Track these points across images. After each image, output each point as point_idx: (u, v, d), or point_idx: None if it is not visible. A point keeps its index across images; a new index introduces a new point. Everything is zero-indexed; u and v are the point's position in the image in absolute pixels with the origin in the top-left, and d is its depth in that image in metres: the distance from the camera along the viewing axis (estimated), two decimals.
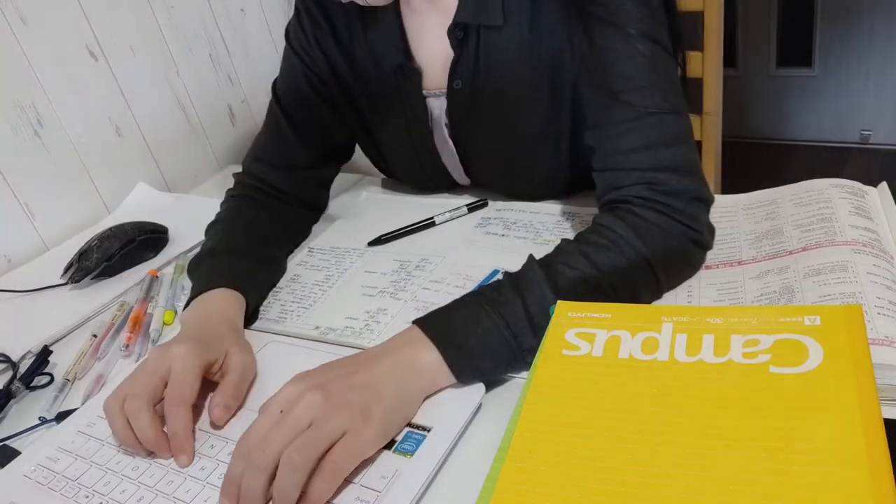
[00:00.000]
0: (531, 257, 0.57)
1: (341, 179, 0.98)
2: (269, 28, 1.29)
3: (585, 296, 0.53)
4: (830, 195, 0.65)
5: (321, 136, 0.82)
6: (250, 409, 0.54)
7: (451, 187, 0.88)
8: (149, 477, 0.50)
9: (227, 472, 0.45)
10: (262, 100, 1.29)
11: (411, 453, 0.47)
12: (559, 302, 0.55)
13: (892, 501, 0.34)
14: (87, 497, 0.49)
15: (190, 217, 0.92)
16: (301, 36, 0.79)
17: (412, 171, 0.86)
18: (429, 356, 0.51)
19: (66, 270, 0.83)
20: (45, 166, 0.95)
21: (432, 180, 0.86)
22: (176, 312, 0.73)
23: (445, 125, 0.78)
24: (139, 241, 0.85)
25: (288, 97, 0.81)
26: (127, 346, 0.67)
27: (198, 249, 0.85)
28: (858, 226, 0.60)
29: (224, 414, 0.53)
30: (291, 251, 0.81)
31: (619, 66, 0.61)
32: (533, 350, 0.49)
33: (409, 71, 0.75)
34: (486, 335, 0.52)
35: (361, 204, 0.89)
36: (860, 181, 0.67)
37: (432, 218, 0.78)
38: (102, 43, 1.01)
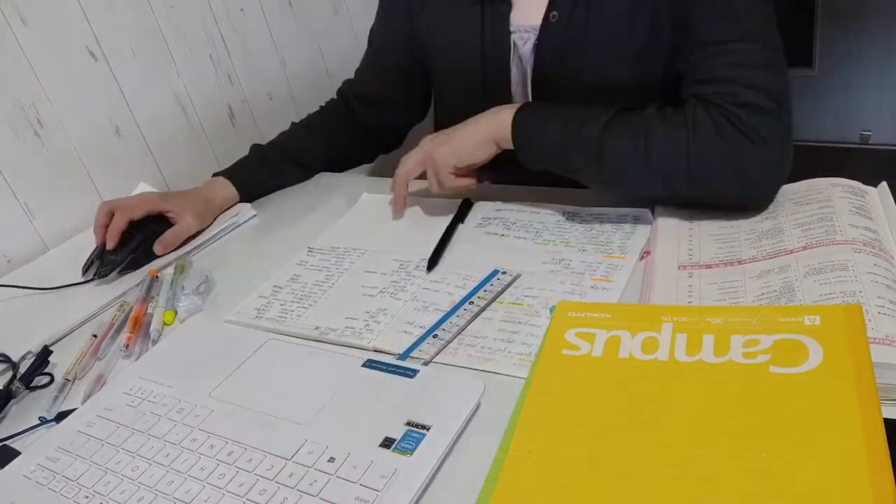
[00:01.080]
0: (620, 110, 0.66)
1: (341, 179, 0.98)
2: (269, 28, 1.29)
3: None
4: (831, 194, 0.65)
5: (395, 77, 0.95)
6: (250, 408, 0.54)
7: None
8: (149, 477, 0.50)
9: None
10: (262, 99, 1.29)
11: (410, 452, 0.47)
12: (559, 302, 0.55)
13: (892, 501, 0.34)
14: (87, 497, 0.49)
15: None
16: None
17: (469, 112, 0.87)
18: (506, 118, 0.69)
19: (86, 268, 0.83)
20: (45, 166, 0.95)
21: None
22: (176, 312, 0.73)
23: (529, 64, 0.79)
24: (160, 234, 0.85)
25: (377, 35, 0.95)
26: (127, 346, 0.67)
27: (197, 250, 0.86)
28: (859, 225, 0.60)
29: (160, 250, 0.83)
30: (327, 166, 1.01)
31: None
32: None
33: (497, 3, 0.77)
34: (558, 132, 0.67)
35: (361, 204, 0.89)
36: (860, 181, 0.68)
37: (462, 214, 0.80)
38: (102, 43, 1.01)
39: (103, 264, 0.81)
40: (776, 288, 0.56)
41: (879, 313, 0.50)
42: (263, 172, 0.97)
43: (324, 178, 1.01)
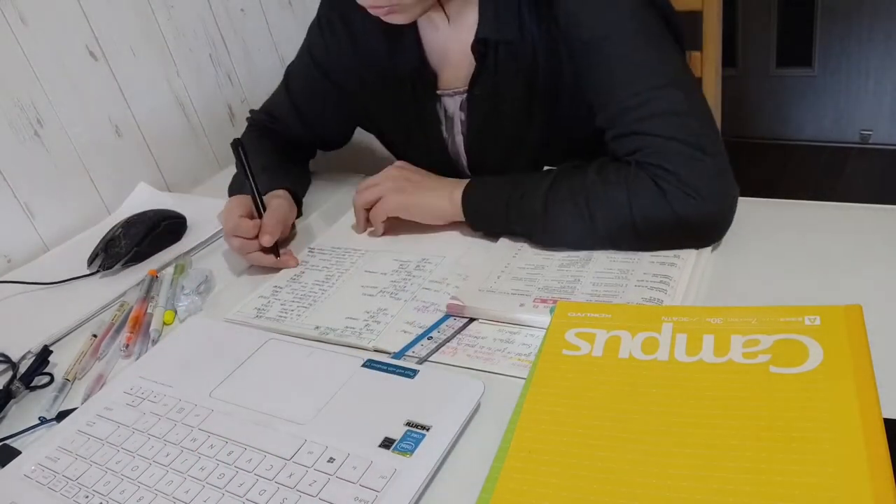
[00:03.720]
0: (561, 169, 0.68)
1: (341, 179, 0.98)
2: (269, 28, 1.29)
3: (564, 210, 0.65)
4: None
5: (320, 124, 0.94)
6: (250, 408, 0.54)
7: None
8: (149, 477, 0.50)
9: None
10: (262, 99, 1.28)
11: (410, 453, 0.47)
12: (559, 302, 0.55)
13: (892, 501, 0.34)
14: (87, 497, 0.49)
15: (191, 216, 0.93)
16: (319, 40, 0.88)
17: (424, 163, 0.90)
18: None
19: (91, 261, 0.83)
20: (45, 166, 0.95)
21: (442, 171, 0.90)
22: (176, 312, 0.73)
23: (461, 121, 0.83)
24: (164, 227, 0.86)
25: (297, 85, 0.93)
26: (127, 346, 0.67)
27: (197, 250, 0.87)
28: None
29: (266, 239, 0.73)
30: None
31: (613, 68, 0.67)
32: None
33: (425, 75, 0.81)
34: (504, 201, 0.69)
35: None
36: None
37: None
38: (102, 43, 1.01)
39: (108, 256, 0.82)
40: (580, 255, 0.66)
41: (635, 286, 0.60)
42: (289, 172, 0.91)
43: (323, 179, 1.01)
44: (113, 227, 0.86)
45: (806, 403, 0.41)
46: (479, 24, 0.74)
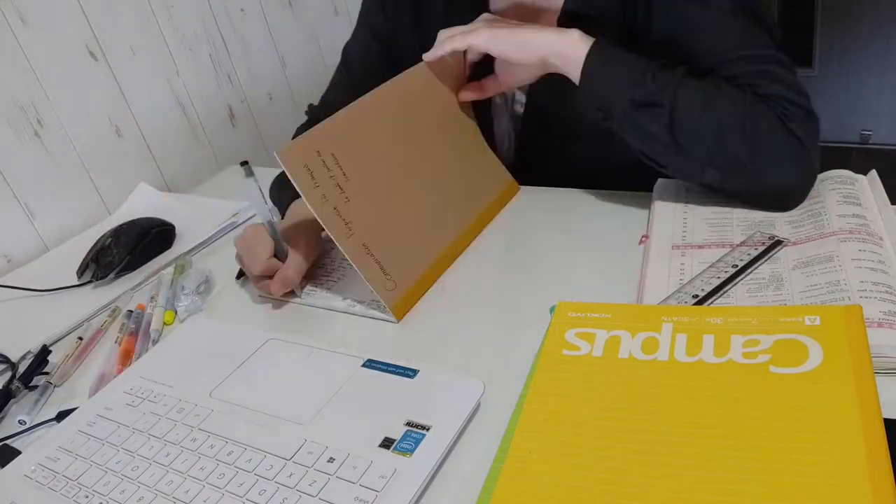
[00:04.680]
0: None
1: None
2: (269, 28, 1.29)
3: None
4: (820, 189, 0.67)
5: None
6: (250, 408, 0.54)
7: None
8: (149, 477, 0.50)
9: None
10: (262, 100, 1.29)
11: (410, 452, 0.47)
12: (559, 302, 0.55)
13: (892, 501, 0.34)
14: (87, 497, 0.49)
15: (191, 216, 0.93)
16: (378, 8, 0.86)
17: None
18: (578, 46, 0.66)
19: (82, 270, 0.83)
20: (45, 166, 0.95)
21: None
22: (176, 312, 0.73)
23: (515, 100, 0.82)
24: (154, 234, 0.86)
25: (356, 63, 0.90)
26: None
27: (201, 247, 0.87)
28: (846, 213, 0.62)
29: (279, 289, 0.68)
30: None
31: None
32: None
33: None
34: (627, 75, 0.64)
35: None
36: None
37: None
38: (102, 43, 1.01)
39: (100, 266, 0.82)
40: (765, 276, 0.58)
41: (861, 297, 0.51)
42: None
43: None
44: (102, 237, 0.85)
45: (806, 403, 0.41)
46: None
